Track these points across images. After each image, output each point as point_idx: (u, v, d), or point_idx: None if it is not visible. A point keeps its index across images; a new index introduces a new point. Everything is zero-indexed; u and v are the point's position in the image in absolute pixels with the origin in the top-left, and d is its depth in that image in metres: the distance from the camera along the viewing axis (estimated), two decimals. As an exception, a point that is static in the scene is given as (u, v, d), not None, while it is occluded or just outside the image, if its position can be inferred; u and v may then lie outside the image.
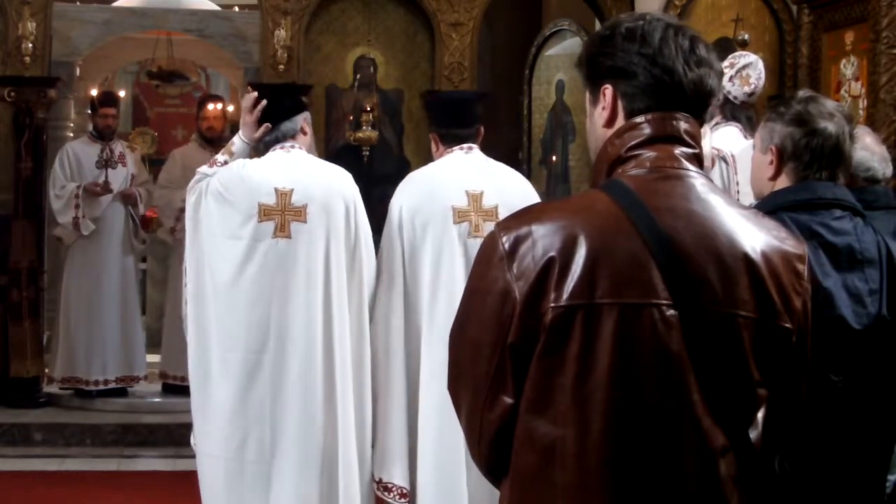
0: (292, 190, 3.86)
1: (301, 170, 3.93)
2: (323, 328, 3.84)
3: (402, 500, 3.90)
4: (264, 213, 3.84)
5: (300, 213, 3.85)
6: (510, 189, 4.02)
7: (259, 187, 3.86)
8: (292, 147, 3.98)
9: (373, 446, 3.96)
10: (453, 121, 4.15)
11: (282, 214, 3.84)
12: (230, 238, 3.84)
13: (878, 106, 5.97)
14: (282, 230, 3.84)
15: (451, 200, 3.98)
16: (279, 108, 4.02)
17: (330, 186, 3.94)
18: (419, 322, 3.94)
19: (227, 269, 3.83)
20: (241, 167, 3.98)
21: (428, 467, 3.90)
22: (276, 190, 3.85)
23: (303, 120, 4.05)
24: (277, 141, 3.99)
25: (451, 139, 4.12)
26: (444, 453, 3.84)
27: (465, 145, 4.11)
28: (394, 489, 3.92)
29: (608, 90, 1.83)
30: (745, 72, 5.01)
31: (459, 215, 3.96)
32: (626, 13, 1.90)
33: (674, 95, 1.80)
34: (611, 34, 1.83)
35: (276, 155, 3.98)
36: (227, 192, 3.87)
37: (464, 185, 4.01)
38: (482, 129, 4.20)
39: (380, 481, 3.94)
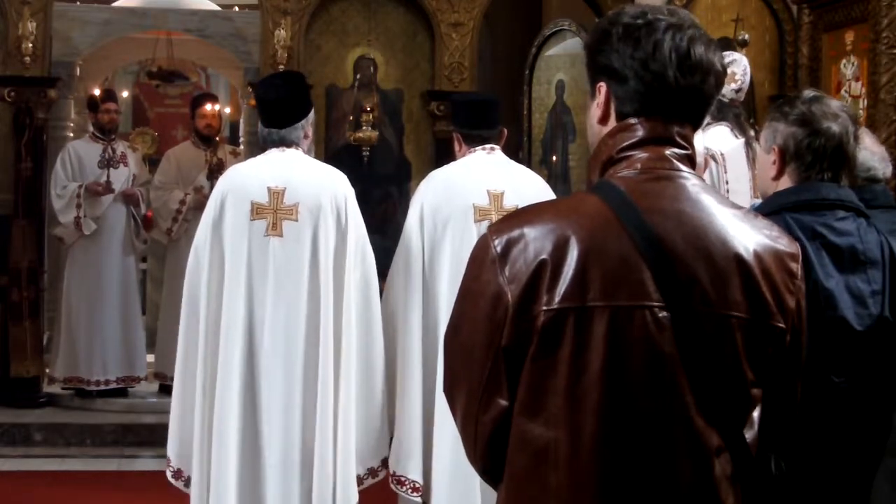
0: (284, 189, 3.87)
1: (294, 169, 3.93)
2: (306, 328, 3.84)
3: (415, 494, 3.96)
4: (256, 211, 3.86)
5: (292, 212, 3.87)
6: (529, 191, 4.05)
7: (252, 186, 3.88)
8: (288, 147, 3.99)
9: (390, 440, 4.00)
10: (478, 122, 4.21)
11: (274, 213, 3.86)
12: (224, 236, 3.85)
13: (878, 106, 5.96)
14: (274, 228, 3.86)
15: (473, 199, 4.04)
16: (285, 114, 3.99)
17: (321, 186, 3.94)
18: (437, 318, 3.99)
19: (218, 266, 3.85)
20: (232, 169, 4.02)
21: (443, 464, 3.95)
22: (269, 189, 3.87)
23: (307, 124, 4.05)
24: (276, 144, 3.99)
25: (474, 140, 4.19)
26: (459, 451, 3.85)
27: (487, 146, 4.18)
28: (407, 482, 3.96)
29: (602, 88, 1.82)
30: (729, 69, 5.04)
31: (480, 213, 4.02)
32: (630, 6, 1.87)
33: (664, 101, 1.78)
34: (608, 30, 1.80)
35: (271, 154, 3.98)
36: (220, 194, 3.89)
37: (485, 185, 4.06)
38: (505, 131, 4.25)
39: (394, 474, 4.00)
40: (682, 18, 1.80)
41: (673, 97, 1.77)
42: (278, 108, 3.98)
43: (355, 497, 3.89)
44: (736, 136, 5.00)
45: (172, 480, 3.95)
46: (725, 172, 4.83)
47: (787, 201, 2.60)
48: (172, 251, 7.71)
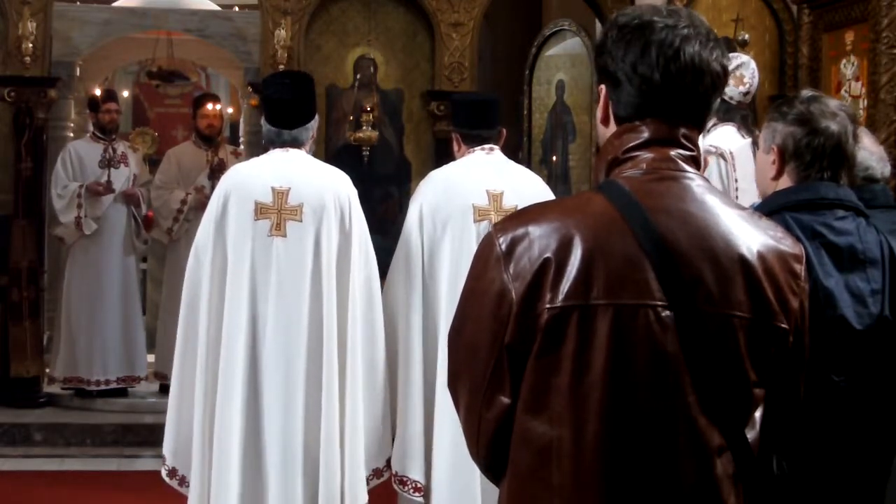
0: (289, 189, 3.87)
1: (298, 169, 3.93)
2: (308, 328, 3.84)
3: (417, 494, 3.96)
4: (260, 211, 3.85)
5: (296, 213, 3.86)
6: (529, 191, 4.05)
7: (255, 185, 3.87)
8: (296, 147, 3.99)
9: (392, 440, 4.01)
10: (477, 122, 4.21)
11: (278, 213, 3.86)
12: (227, 236, 3.85)
13: (878, 106, 5.95)
14: (277, 229, 3.85)
15: (472, 199, 4.04)
16: (296, 114, 3.99)
17: (324, 187, 3.93)
18: (437, 319, 3.99)
19: (220, 266, 3.85)
20: (234, 169, 4.03)
21: (443, 464, 3.96)
22: (273, 189, 3.86)
23: (315, 125, 4.05)
24: (283, 144, 3.99)
25: (474, 140, 4.19)
26: (459, 450, 3.86)
27: (486, 146, 4.18)
28: (409, 482, 3.97)
29: (602, 90, 1.85)
30: (738, 72, 5.06)
31: (480, 213, 4.02)
32: (632, 7, 1.87)
33: (656, 104, 1.78)
34: (606, 33, 1.83)
35: (274, 154, 3.98)
36: (223, 194, 3.89)
37: (485, 185, 4.07)
38: (504, 131, 4.25)
39: (396, 474, 4.00)
40: (678, 18, 1.79)
41: (664, 100, 1.78)
42: (292, 108, 3.97)
43: (364, 498, 3.89)
44: (743, 137, 5.01)
45: (167, 479, 3.95)
46: (734, 171, 4.83)
47: (787, 201, 2.60)
48: (173, 251, 7.72)
